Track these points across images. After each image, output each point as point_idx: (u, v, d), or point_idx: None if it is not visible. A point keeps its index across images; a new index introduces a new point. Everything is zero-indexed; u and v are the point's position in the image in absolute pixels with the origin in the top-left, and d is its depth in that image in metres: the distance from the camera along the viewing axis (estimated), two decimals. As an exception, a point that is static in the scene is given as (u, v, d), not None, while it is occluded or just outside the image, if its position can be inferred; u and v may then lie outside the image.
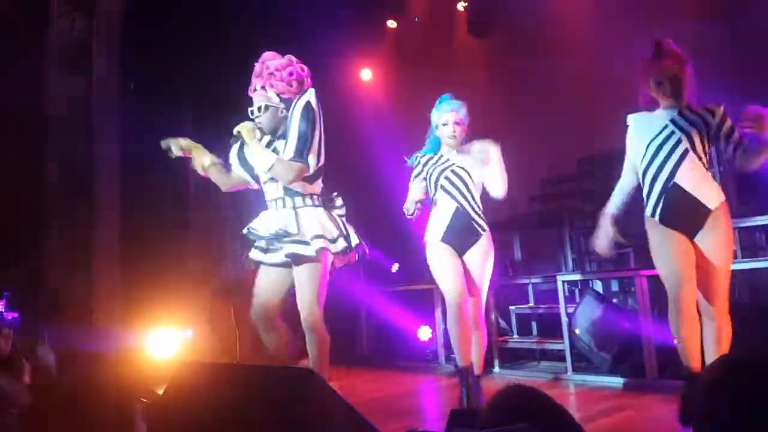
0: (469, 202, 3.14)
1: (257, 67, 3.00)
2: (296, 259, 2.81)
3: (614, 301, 4.55)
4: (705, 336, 2.63)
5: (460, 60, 7.01)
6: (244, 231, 2.96)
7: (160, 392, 1.93)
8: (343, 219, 3.02)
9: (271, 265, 2.92)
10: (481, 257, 3.16)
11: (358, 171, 5.75)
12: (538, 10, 6.06)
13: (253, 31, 5.77)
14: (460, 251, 3.13)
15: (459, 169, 3.16)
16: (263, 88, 2.96)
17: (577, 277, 4.59)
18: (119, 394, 1.78)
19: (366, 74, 7.45)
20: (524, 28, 6.13)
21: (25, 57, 4.71)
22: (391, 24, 7.37)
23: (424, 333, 5.18)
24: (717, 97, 2.77)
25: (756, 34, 4.56)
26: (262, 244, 2.92)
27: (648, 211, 2.76)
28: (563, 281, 4.36)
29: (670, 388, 3.48)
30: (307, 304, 2.80)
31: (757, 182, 4.04)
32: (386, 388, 4.34)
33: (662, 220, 2.70)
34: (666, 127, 2.72)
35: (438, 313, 5.01)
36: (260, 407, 1.73)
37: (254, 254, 2.95)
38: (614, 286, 5.00)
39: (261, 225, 2.91)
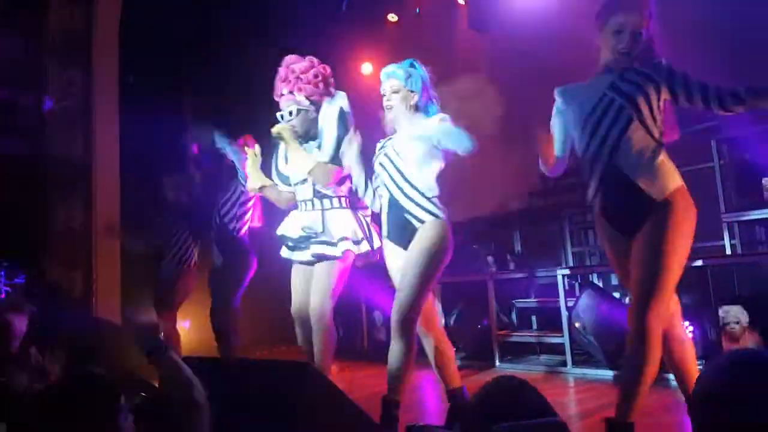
0: (401, 190, 2.61)
1: (282, 71, 3.00)
2: (322, 258, 2.88)
3: (614, 294, 4.55)
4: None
5: (462, 53, 6.98)
6: (277, 233, 3.02)
7: (157, 386, 1.94)
8: (368, 219, 3.05)
9: (300, 263, 2.98)
10: (410, 250, 2.57)
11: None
12: (539, 2, 6.03)
13: (252, 26, 5.76)
14: (406, 248, 2.63)
15: (392, 151, 2.69)
16: (291, 92, 2.96)
17: (577, 271, 4.57)
18: (118, 388, 1.78)
19: (367, 68, 7.42)
20: (525, 20, 6.10)
21: (23, 51, 4.70)
22: (392, 17, 7.34)
23: (424, 327, 5.16)
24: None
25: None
26: (290, 242, 2.98)
27: (589, 194, 2.28)
28: (563, 275, 4.36)
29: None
30: (320, 296, 2.84)
31: (757, 174, 4.03)
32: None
33: (602, 212, 2.24)
34: (604, 96, 2.21)
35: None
36: (257, 400, 1.74)
37: (284, 252, 3.02)
38: (614, 280, 4.99)
39: (289, 227, 2.98)
